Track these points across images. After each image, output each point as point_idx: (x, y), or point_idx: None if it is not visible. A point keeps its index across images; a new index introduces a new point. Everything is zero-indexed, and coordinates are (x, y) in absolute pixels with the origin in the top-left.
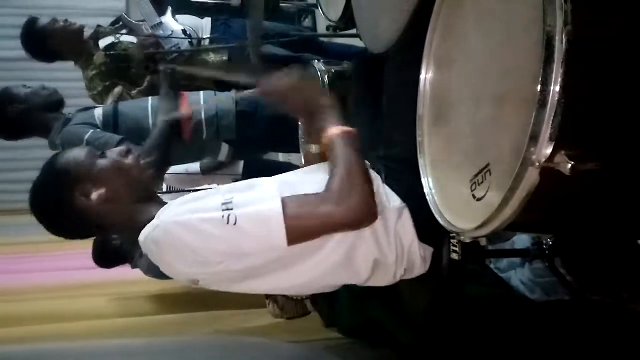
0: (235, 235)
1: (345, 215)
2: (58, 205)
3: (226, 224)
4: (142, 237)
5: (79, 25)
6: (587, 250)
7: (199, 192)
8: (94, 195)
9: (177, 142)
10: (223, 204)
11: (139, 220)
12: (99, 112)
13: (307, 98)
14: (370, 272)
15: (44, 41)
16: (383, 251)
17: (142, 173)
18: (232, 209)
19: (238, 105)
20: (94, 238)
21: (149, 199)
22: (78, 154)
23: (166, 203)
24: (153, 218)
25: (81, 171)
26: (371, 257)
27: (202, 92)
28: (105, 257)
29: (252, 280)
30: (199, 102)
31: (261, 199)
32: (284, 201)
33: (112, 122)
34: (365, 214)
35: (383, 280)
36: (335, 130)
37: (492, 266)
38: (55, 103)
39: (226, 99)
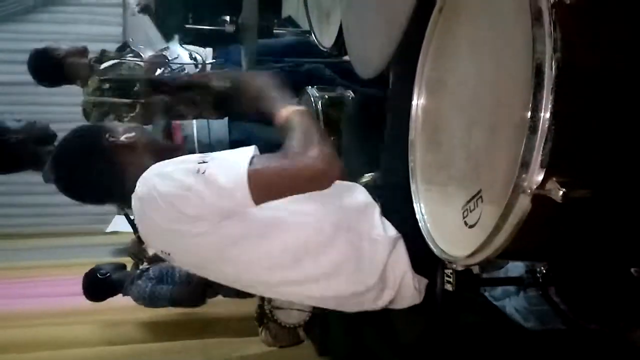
0: (204, 186)
1: (308, 165)
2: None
3: (195, 173)
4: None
5: (82, 46)
6: (581, 279)
7: None
8: (123, 138)
9: None
10: (200, 157)
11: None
12: None
13: (250, 90)
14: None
15: (54, 64)
16: (361, 271)
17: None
18: (206, 162)
19: (231, 134)
20: (83, 277)
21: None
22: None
23: None
24: None
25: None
26: (347, 268)
27: (194, 121)
28: (96, 291)
29: (221, 264)
30: (192, 132)
31: (233, 153)
32: (253, 156)
33: None
34: (328, 163)
35: (355, 302)
36: (287, 110)
37: (486, 294)
38: (47, 137)
39: (218, 127)
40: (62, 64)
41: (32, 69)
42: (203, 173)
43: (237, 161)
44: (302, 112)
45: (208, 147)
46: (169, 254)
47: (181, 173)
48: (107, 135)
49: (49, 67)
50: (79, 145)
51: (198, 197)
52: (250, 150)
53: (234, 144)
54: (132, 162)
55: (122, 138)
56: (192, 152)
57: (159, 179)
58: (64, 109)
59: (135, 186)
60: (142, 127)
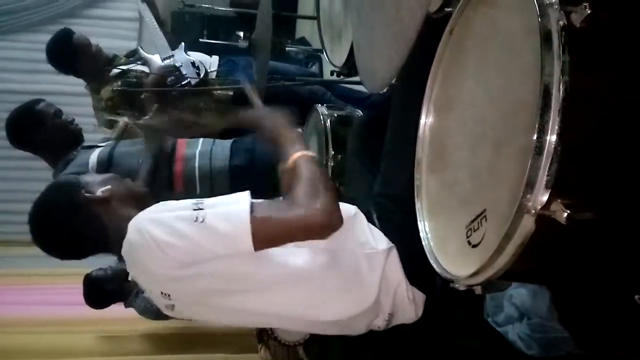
0: (203, 234)
1: (310, 217)
2: (64, 213)
3: (193, 221)
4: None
5: (107, 54)
6: (583, 305)
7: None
8: (99, 192)
9: (168, 193)
10: (194, 203)
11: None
12: (94, 158)
13: (275, 128)
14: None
15: (72, 51)
16: (363, 289)
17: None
18: (202, 209)
19: (232, 159)
20: (83, 279)
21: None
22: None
23: None
24: None
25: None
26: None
27: (200, 142)
28: (97, 298)
29: (224, 298)
30: (194, 157)
31: (230, 201)
32: (252, 204)
33: (105, 170)
34: (330, 217)
35: (362, 322)
36: (298, 154)
37: (489, 319)
38: (75, 141)
39: (222, 151)
40: (79, 55)
41: (50, 46)
42: (202, 222)
43: (238, 210)
44: (309, 159)
45: (208, 174)
46: (169, 295)
47: (178, 221)
48: (82, 191)
49: (66, 51)
50: (55, 206)
51: (196, 245)
52: (246, 197)
53: (234, 170)
54: (111, 214)
55: (98, 192)
56: (192, 179)
57: (153, 225)
58: (87, 119)
59: (120, 234)
60: (118, 177)
